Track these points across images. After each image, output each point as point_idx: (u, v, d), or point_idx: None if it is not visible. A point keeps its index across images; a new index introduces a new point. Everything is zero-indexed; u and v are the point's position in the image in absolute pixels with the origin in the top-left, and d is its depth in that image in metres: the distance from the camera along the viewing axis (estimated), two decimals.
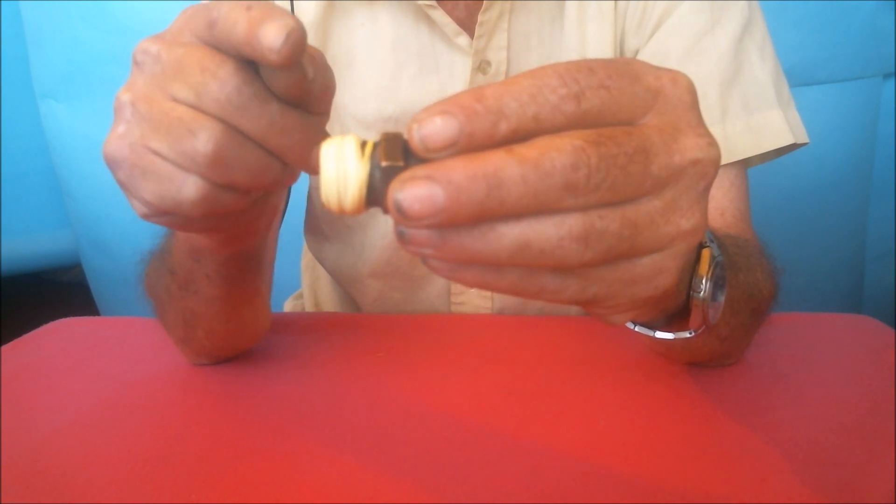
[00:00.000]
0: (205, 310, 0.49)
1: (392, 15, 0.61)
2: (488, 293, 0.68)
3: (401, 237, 0.22)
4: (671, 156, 0.23)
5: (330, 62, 0.71)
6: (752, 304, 0.46)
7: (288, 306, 0.85)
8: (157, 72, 0.28)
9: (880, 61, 1.24)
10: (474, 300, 0.68)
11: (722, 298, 0.34)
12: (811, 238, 1.29)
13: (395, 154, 0.22)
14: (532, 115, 0.21)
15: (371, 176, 0.22)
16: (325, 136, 0.25)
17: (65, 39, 1.36)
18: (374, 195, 0.23)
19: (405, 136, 0.22)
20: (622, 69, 0.23)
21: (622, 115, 0.23)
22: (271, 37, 0.25)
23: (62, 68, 1.38)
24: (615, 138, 0.22)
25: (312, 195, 0.72)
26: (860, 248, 1.36)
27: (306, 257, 0.83)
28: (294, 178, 0.31)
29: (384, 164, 0.22)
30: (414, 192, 0.20)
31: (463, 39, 0.60)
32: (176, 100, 0.28)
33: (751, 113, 0.59)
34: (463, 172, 0.20)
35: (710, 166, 0.24)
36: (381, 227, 0.66)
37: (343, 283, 0.73)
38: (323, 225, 0.72)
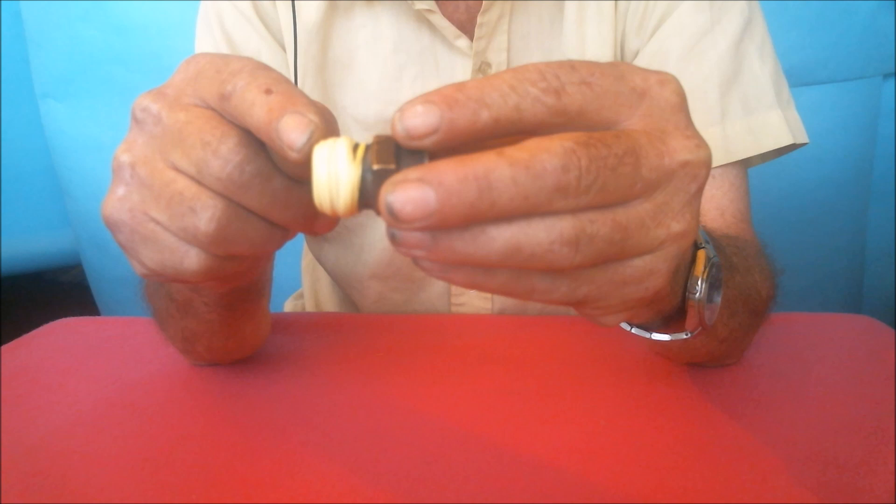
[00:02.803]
0: (204, 329, 0.49)
1: (393, 17, 0.61)
2: (488, 294, 0.68)
3: (393, 239, 0.22)
4: (661, 158, 0.23)
5: (331, 63, 0.71)
6: (750, 304, 0.46)
7: (288, 306, 0.85)
8: (158, 134, 0.27)
9: (880, 61, 1.24)
10: (474, 301, 0.68)
11: (718, 299, 0.34)
12: (811, 238, 1.29)
13: (386, 157, 0.22)
14: (513, 105, 0.21)
15: (363, 179, 0.22)
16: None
17: (65, 39, 1.36)
18: (367, 198, 0.23)
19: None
20: (606, 69, 0.23)
21: (605, 112, 0.23)
22: (293, 135, 0.24)
23: (62, 68, 1.38)
24: (604, 140, 0.22)
25: None
26: (860, 248, 1.36)
27: (307, 258, 0.83)
28: (294, 235, 0.30)
29: (376, 167, 0.22)
30: (405, 194, 0.20)
31: (462, 42, 0.60)
32: (177, 169, 0.27)
33: (750, 113, 0.59)
34: (453, 175, 0.20)
35: (700, 168, 0.24)
36: (381, 228, 0.66)
37: (343, 284, 0.73)
38: None
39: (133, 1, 1.29)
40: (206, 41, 0.63)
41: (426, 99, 0.21)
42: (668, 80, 0.24)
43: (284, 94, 0.25)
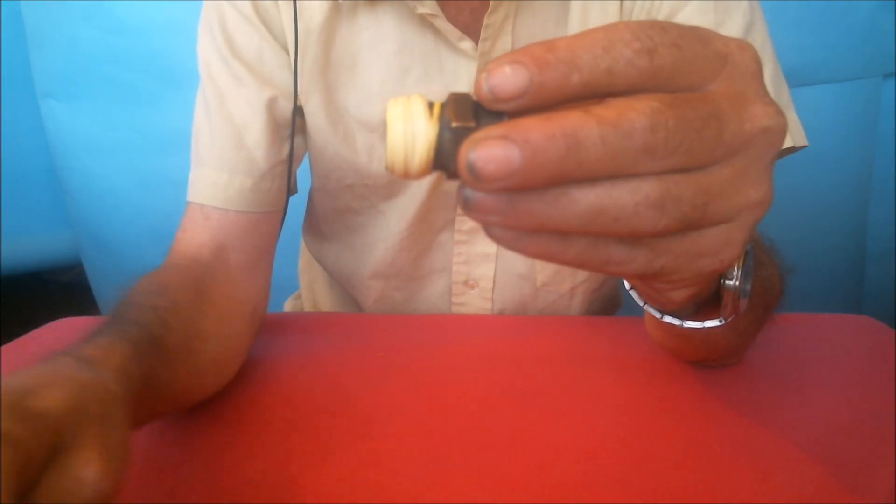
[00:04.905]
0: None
1: (396, 19, 0.61)
2: (489, 295, 0.68)
3: (466, 203, 0.21)
4: (742, 123, 0.23)
5: (334, 65, 0.70)
6: (766, 298, 0.45)
7: (288, 306, 0.86)
8: None
9: (880, 61, 1.24)
10: (475, 301, 0.68)
11: (748, 288, 0.34)
12: (811, 238, 1.29)
13: (465, 114, 0.21)
14: (605, 67, 0.21)
15: (440, 137, 0.22)
16: None
17: (65, 39, 1.36)
18: (443, 157, 0.22)
19: (473, 95, 0.21)
20: (692, 32, 0.23)
21: (693, 76, 0.22)
22: None
23: (62, 68, 1.38)
24: (690, 102, 0.21)
25: (312, 195, 0.72)
26: (860, 248, 1.36)
27: (303, 258, 0.83)
28: None
29: (455, 124, 0.21)
30: (489, 152, 0.20)
31: (466, 44, 0.60)
32: None
33: None
34: (540, 132, 0.20)
35: (778, 136, 0.24)
36: (383, 227, 0.66)
37: (343, 283, 0.73)
38: (322, 225, 0.72)
39: (133, 1, 1.29)
40: (208, 43, 0.63)
41: (514, 59, 0.20)
42: (746, 47, 0.24)
43: None
